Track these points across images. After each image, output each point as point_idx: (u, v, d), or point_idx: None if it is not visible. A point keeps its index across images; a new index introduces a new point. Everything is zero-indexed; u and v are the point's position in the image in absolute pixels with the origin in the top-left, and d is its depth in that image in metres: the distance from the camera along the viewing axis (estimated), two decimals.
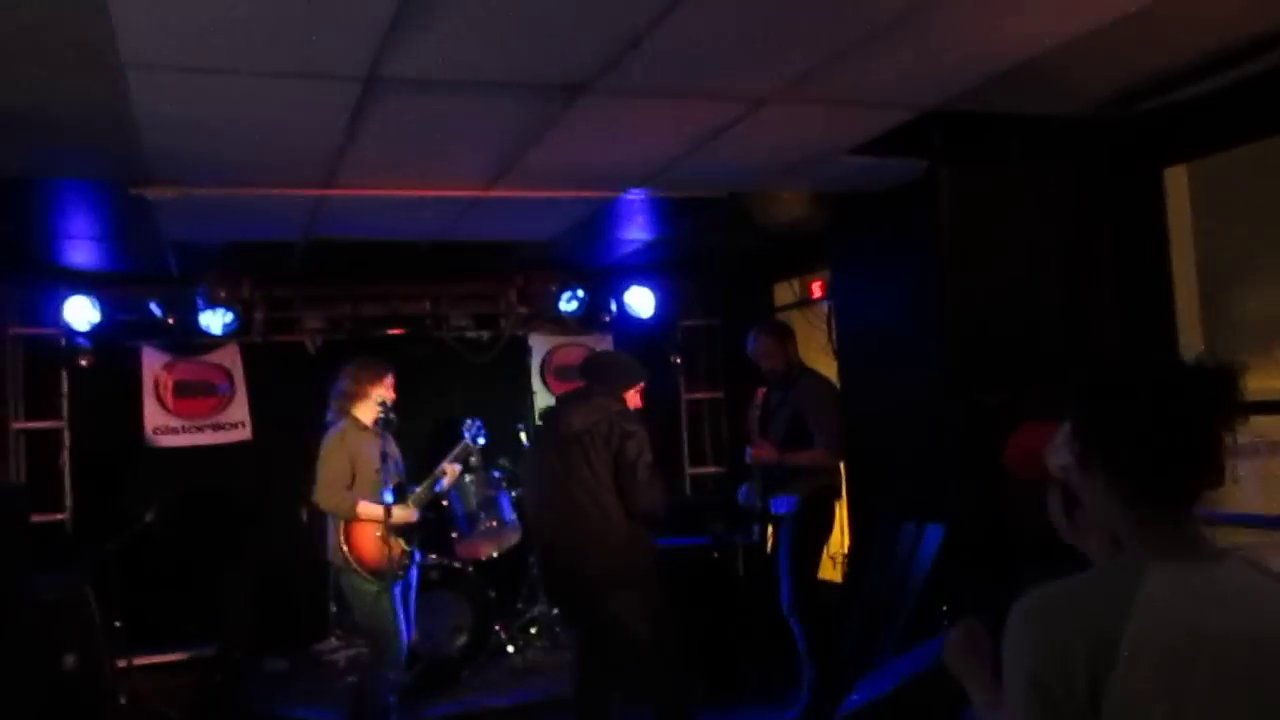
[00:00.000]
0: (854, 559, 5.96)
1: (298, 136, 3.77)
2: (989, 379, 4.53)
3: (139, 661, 5.87)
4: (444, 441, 5.89)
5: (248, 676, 6.48)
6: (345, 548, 4.91)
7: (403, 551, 4.97)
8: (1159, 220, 4.46)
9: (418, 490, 5.15)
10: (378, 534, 4.86)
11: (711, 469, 8.12)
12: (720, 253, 7.38)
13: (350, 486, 4.94)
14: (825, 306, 6.72)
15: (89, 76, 3.09)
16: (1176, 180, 4.50)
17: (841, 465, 5.61)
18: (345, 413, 5.03)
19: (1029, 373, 4.37)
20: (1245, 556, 1.58)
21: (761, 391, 5.42)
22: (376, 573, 4.85)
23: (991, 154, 4.49)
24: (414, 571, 5.16)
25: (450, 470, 5.35)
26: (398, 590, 4.91)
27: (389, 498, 4.72)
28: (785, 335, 5.57)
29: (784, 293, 7.78)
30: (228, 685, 6.02)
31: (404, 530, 4.99)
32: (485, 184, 4.66)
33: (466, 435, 5.51)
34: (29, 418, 6.56)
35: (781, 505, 5.35)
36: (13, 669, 4.28)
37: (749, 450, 5.43)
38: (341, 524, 4.94)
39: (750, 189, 5.20)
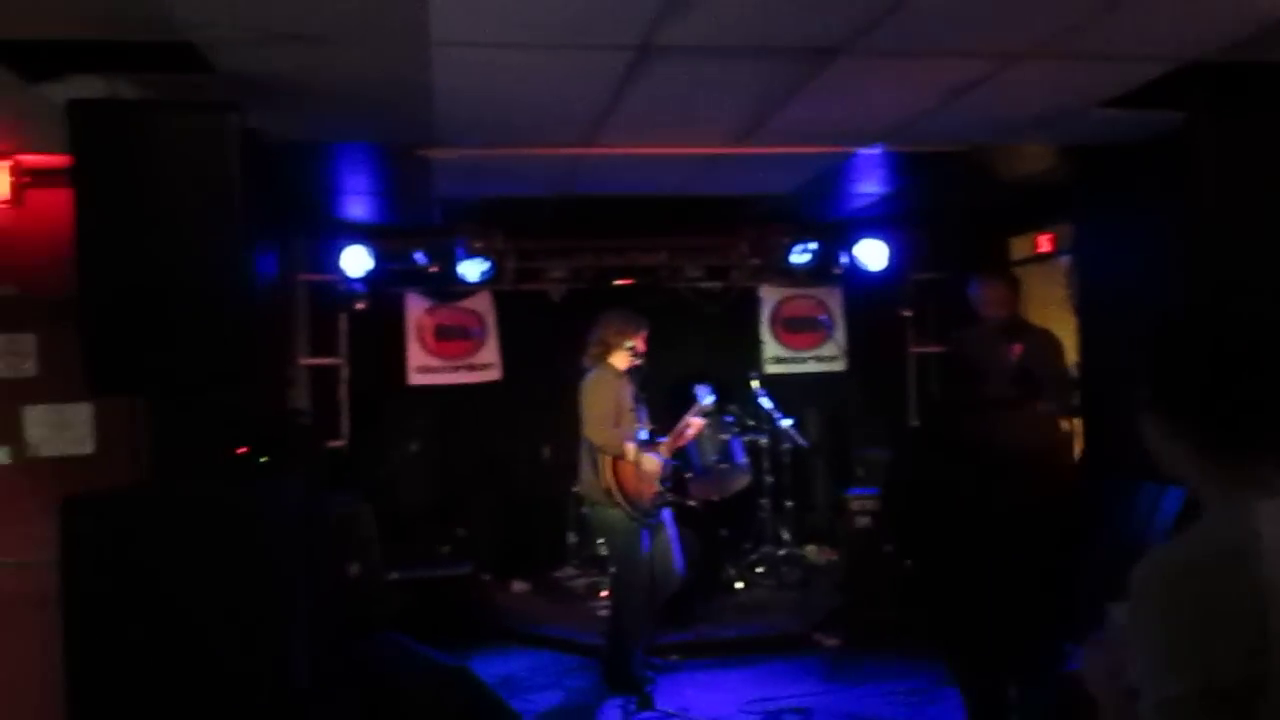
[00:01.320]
0: (1088, 518, 5.88)
1: (570, 102, 4.09)
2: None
3: (402, 576, 6.54)
4: (680, 390, 6.19)
5: (496, 597, 7.10)
6: (612, 483, 5.21)
7: (657, 492, 5.27)
8: None
9: (667, 440, 5.43)
10: (637, 471, 5.24)
11: None
12: (955, 206, 7.32)
13: (616, 425, 5.30)
14: (1064, 262, 6.57)
15: (399, 55, 3.50)
16: None
17: (1070, 422, 5.51)
18: (602, 359, 5.38)
19: None
20: None
21: (1019, 347, 5.23)
22: (636, 508, 5.21)
23: (1256, 106, 4.31)
24: (666, 511, 5.44)
25: (696, 423, 5.56)
26: (652, 531, 5.23)
27: (644, 436, 5.05)
28: (1013, 285, 5.49)
29: (1019, 247, 7.65)
30: (481, 602, 6.61)
31: (660, 474, 5.31)
32: (734, 141, 4.87)
33: (700, 398, 5.65)
34: (313, 355, 7.34)
35: None
36: (314, 571, 4.91)
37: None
38: (608, 460, 5.23)
39: (992, 143, 5.18)
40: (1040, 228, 7.24)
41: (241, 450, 4.63)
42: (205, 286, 3.59)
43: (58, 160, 4.43)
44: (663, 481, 5.32)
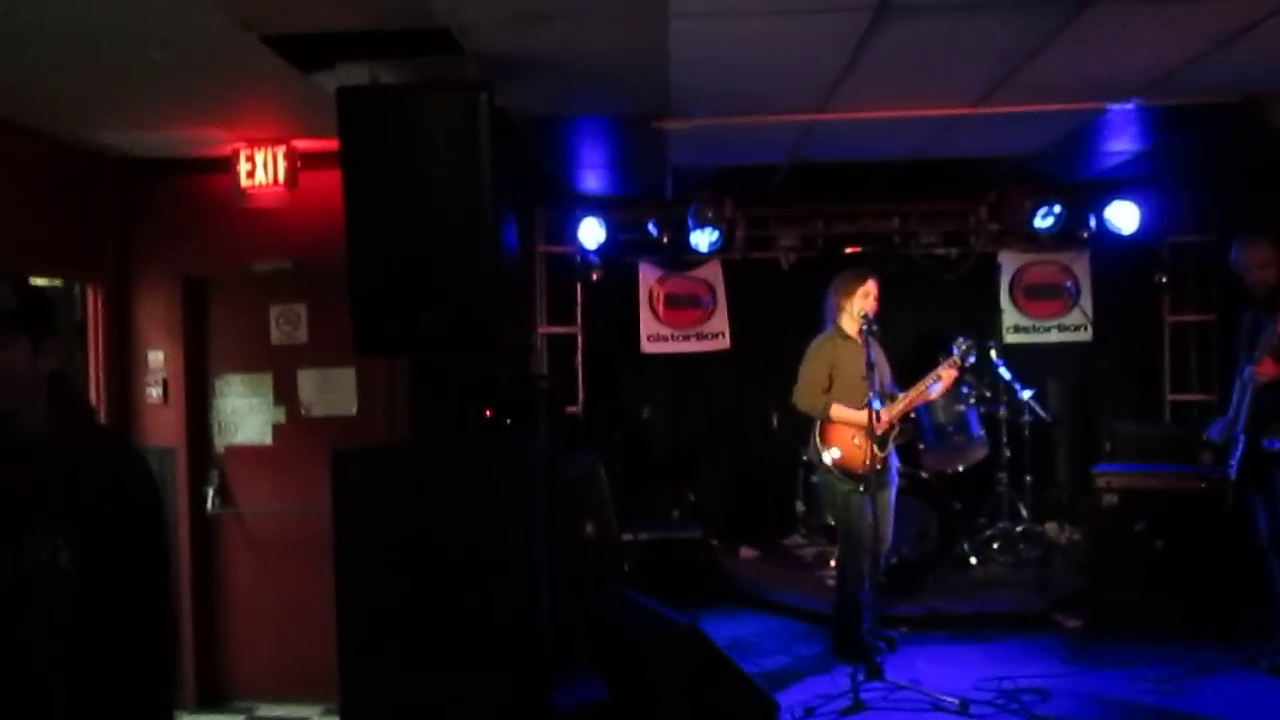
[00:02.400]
0: None
1: (805, 67, 4.07)
2: None
3: (634, 537, 6.75)
4: (921, 357, 6.05)
5: (725, 560, 7.21)
6: (820, 447, 5.28)
7: (876, 456, 5.17)
8: None
9: (902, 396, 5.28)
10: (853, 438, 5.18)
11: (1198, 396, 7.55)
12: (1221, 164, 6.77)
13: (827, 390, 5.27)
14: None
15: (637, 29, 3.59)
16: None
17: None
18: (834, 322, 5.36)
19: None
20: None
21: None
22: (849, 473, 5.17)
23: None
24: (894, 478, 5.35)
25: (946, 375, 5.30)
26: (874, 498, 5.12)
27: (877, 404, 4.98)
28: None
29: None
30: (710, 565, 6.74)
31: (881, 437, 5.16)
32: (976, 100, 4.70)
33: (955, 352, 5.39)
34: (550, 323, 7.65)
35: (1276, 444, 4.86)
36: (555, 527, 5.16)
37: (1247, 368, 4.92)
38: (819, 424, 5.30)
39: (1269, 92, 4.75)
40: None
41: (489, 412, 4.90)
42: (459, 257, 3.82)
43: (325, 144, 4.82)
44: (881, 446, 5.12)
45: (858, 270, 5.41)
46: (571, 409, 7.46)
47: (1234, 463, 5.01)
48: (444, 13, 3.40)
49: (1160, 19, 3.68)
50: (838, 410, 5.22)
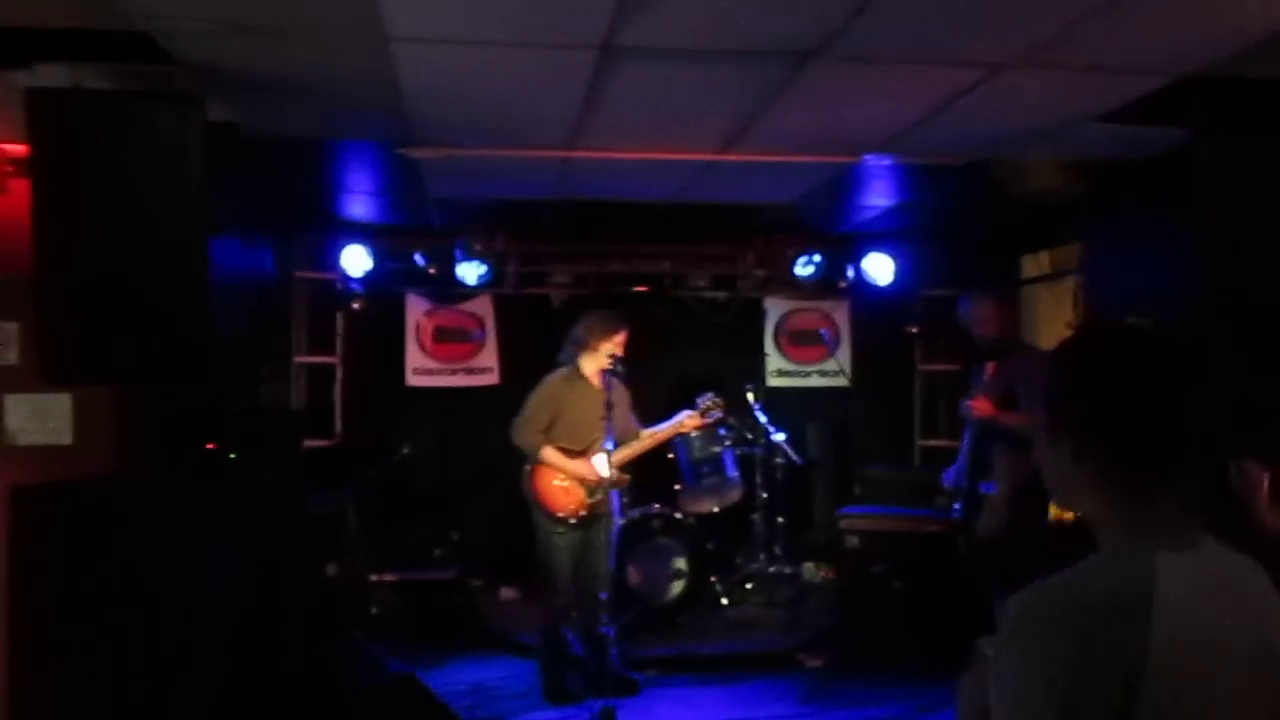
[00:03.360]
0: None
1: (542, 102, 4.01)
2: (1251, 365, 4.21)
3: (388, 578, 6.49)
4: (686, 398, 6.07)
5: (484, 602, 7.03)
6: (528, 488, 5.25)
7: (583, 503, 5.15)
8: None
9: (619, 449, 5.15)
10: (560, 480, 5.17)
11: (946, 442, 7.92)
12: (966, 222, 7.17)
13: (546, 430, 5.20)
14: (1074, 282, 6.41)
15: (357, 49, 3.44)
16: None
17: None
18: (572, 359, 5.30)
19: None
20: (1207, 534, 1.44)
21: (992, 366, 5.16)
22: (551, 515, 5.13)
23: (1258, 123, 4.16)
24: (615, 514, 5.31)
25: (682, 427, 5.48)
26: (583, 538, 5.16)
27: (610, 445, 4.95)
28: (1003, 303, 5.32)
29: (1031, 266, 7.48)
30: (465, 608, 6.54)
31: (592, 486, 5.17)
32: (720, 148, 4.77)
33: (698, 405, 5.58)
34: (309, 353, 7.31)
35: (990, 487, 5.16)
36: (288, 570, 4.86)
37: (964, 403, 5.18)
38: (529, 461, 5.27)
39: (992, 157, 5.05)
40: (1052, 245, 7.08)
41: (211, 445, 4.58)
42: (163, 280, 3.55)
43: None
44: (590, 493, 5.17)
45: (614, 316, 5.36)
46: (325, 443, 7.14)
47: (958, 506, 5.25)
48: (140, 17, 3.16)
49: (878, 81, 3.83)
50: (550, 454, 5.18)
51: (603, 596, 5.09)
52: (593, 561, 5.21)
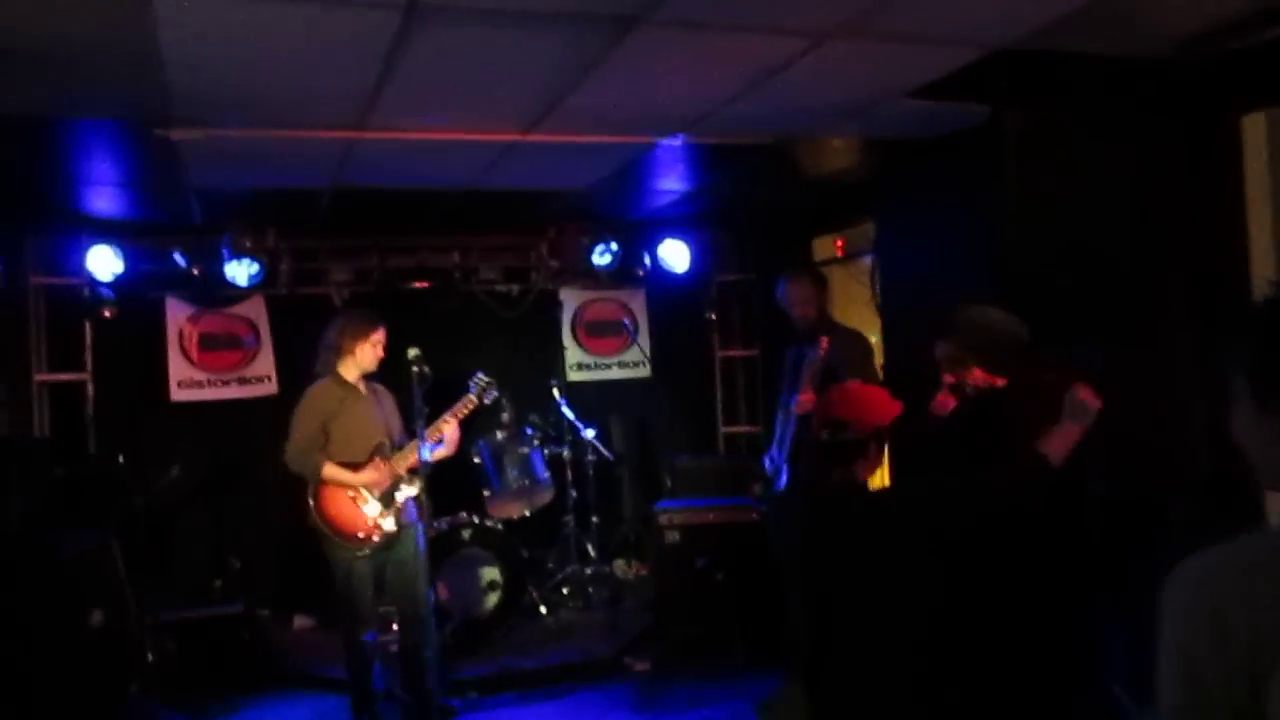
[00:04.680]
0: None
1: (332, 73, 3.55)
2: (1048, 336, 4.30)
3: (165, 619, 5.76)
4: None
5: (276, 635, 6.39)
6: (316, 512, 4.73)
7: (380, 514, 4.73)
8: (1235, 170, 4.20)
9: (401, 451, 4.82)
10: (353, 498, 4.72)
11: (745, 428, 7.93)
12: (758, 206, 7.15)
13: (324, 448, 4.74)
14: (868, 262, 6.48)
15: (106, 5, 2.89)
16: (1254, 128, 4.24)
17: None
18: (330, 368, 4.82)
19: (1092, 328, 4.17)
20: None
21: (825, 343, 4.99)
22: (349, 537, 4.68)
23: (1059, 98, 4.25)
24: (417, 527, 4.87)
25: (448, 431, 4.93)
26: (388, 561, 4.74)
27: (427, 455, 4.53)
28: (820, 283, 5.29)
29: (822, 248, 7.56)
30: (255, 643, 5.90)
31: (386, 495, 4.76)
32: (525, 128, 4.44)
33: (471, 389, 5.14)
34: (52, 370, 6.42)
35: None
36: (36, 625, 4.16)
37: (792, 399, 5.00)
38: (312, 487, 4.74)
39: (799, 135, 4.97)
40: (843, 227, 7.16)
41: None
42: None
43: None
44: (386, 505, 4.76)
45: (368, 314, 4.94)
46: (76, 471, 6.27)
47: (782, 482, 5.16)
48: None
49: (700, 51, 3.61)
50: (331, 471, 4.70)
51: (425, 614, 4.66)
52: (404, 579, 4.75)
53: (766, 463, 5.43)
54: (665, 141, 4.91)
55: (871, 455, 2.91)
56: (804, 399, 4.82)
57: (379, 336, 4.80)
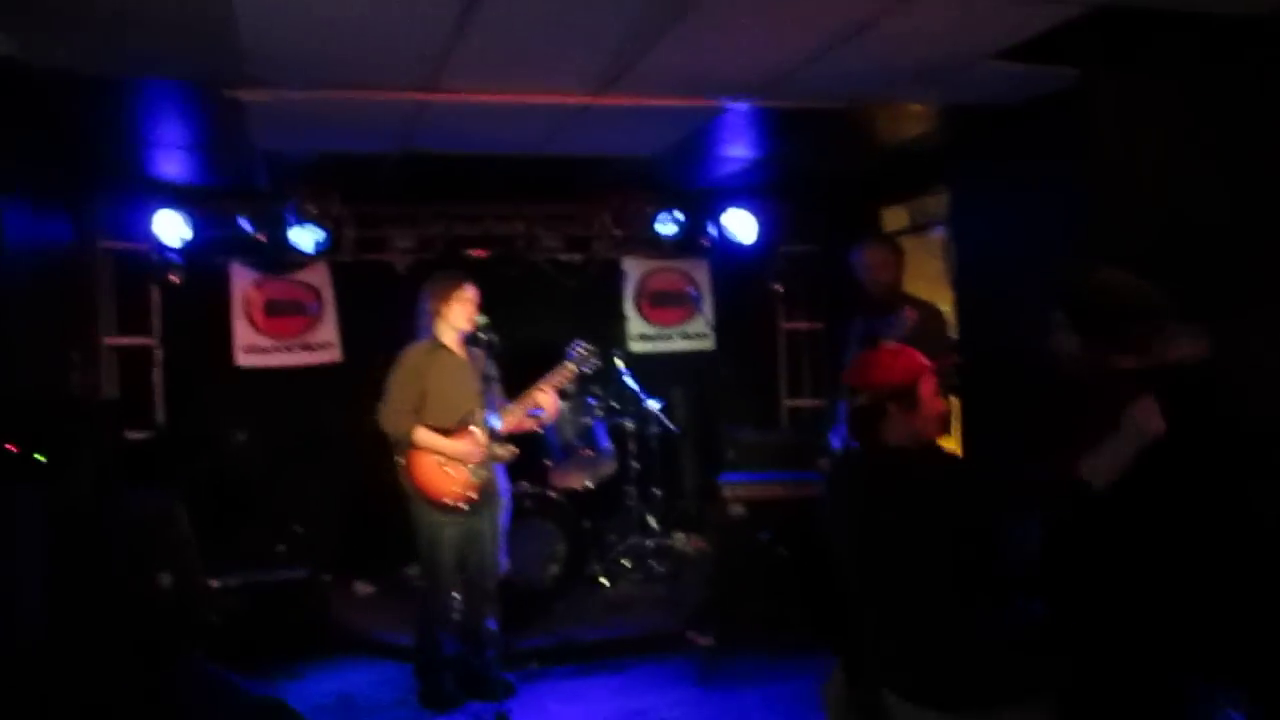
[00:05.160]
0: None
1: (404, 29, 3.47)
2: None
3: (229, 583, 5.79)
4: (540, 366, 5.62)
5: (337, 600, 6.41)
6: (406, 476, 4.67)
7: (469, 484, 4.66)
8: None
9: (499, 418, 4.72)
10: (443, 465, 4.65)
11: (809, 402, 7.78)
12: (825, 175, 6.98)
13: (418, 410, 4.68)
14: (936, 234, 6.28)
15: None
16: None
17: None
18: (429, 331, 4.77)
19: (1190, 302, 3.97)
20: None
21: (912, 315, 4.75)
22: (438, 504, 4.63)
23: (1157, 59, 4.04)
24: (505, 499, 4.82)
25: (546, 400, 4.87)
26: (472, 528, 4.67)
27: (496, 422, 4.47)
28: (899, 252, 5.08)
29: (893, 219, 7.37)
30: (318, 609, 5.91)
31: (476, 464, 4.68)
32: (596, 90, 4.33)
33: (571, 356, 5.04)
34: (120, 333, 6.46)
35: None
36: (110, 585, 4.18)
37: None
38: (401, 447, 4.69)
39: (874, 99, 4.80)
40: (911, 197, 6.97)
41: (11, 447, 3.84)
42: None
43: None
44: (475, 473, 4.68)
45: (453, 274, 4.86)
46: (144, 435, 6.33)
47: None
48: None
49: (781, 6, 3.47)
50: (424, 436, 4.62)
51: (493, 587, 4.62)
52: (481, 552, 4.70)
53: (833, 439, 5.29)
54: (735, 106, 4.78)
55: (894, 416, 2.77)
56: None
57: (467, 294, 4.72)
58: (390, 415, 4.63)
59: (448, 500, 4.58)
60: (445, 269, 5.02)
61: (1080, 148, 4.42)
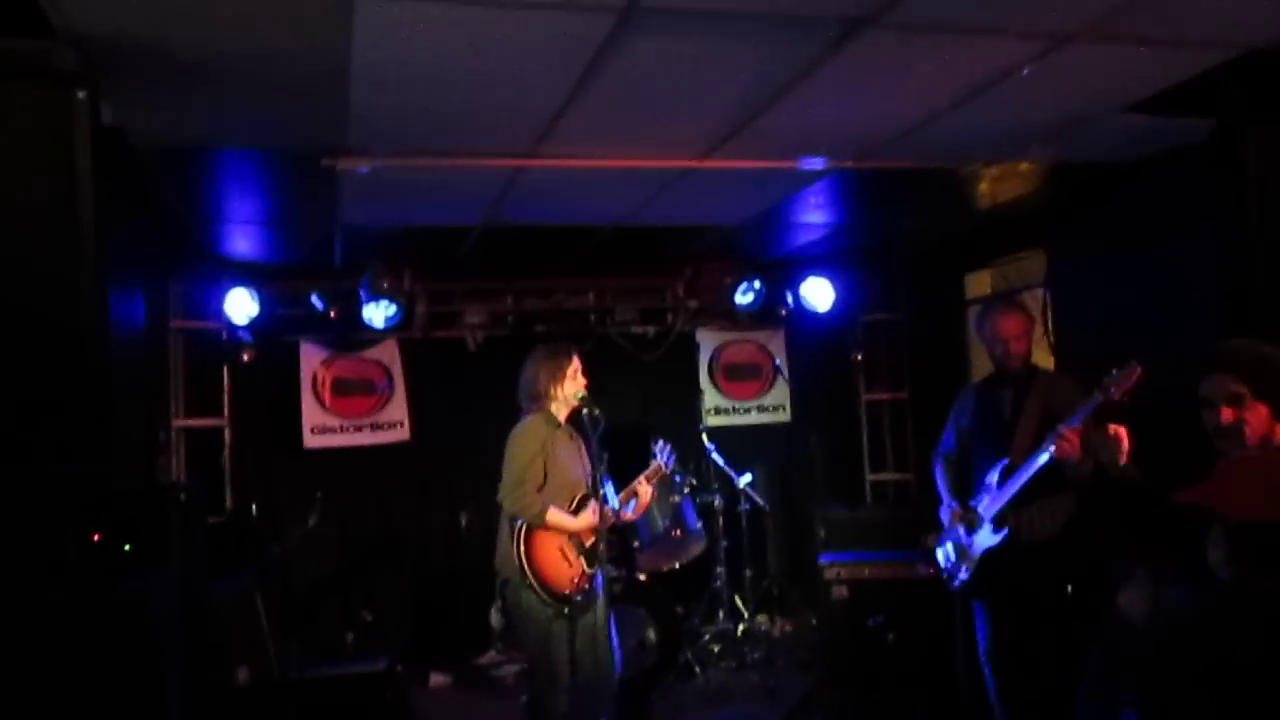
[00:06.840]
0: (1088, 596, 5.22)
1: (521, 88, 3.29)
2: None
3: (305, 675, 5.50)
4: (619, 445, 5.34)
5: (412, 692, 6.10)
6: (523, 559, 4.26)
7: (584, 574, 4.34)
8: None
9: (606, 509, 4.41)
10: (561, 550, 4.34)
11: (894, 475, 7.47)
12: (906, 240, 6.76)
13: (541, 489, 4.41)
14: (1041, 295, 6.00)
15: (310, 18, 2.67)
16: None
17: None
18: (539, 407, 4.49)
19: None
20: None
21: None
22: (555, 593, 4.29)
23: None
24: (600, 596, 4.51)
25: (644, 491, 4.64)
26: (583, 624, 4.32)
27: (614, 501, 4.19)
28: (1030, 317, 4.68)
29: (974, 284, 7.13)
30: (398, 704, 5.59)
31: (590, 549, 4.36)
32: (704, 152, 4.14)
33: (660, 456, 4.80)
34: (189, 415, 6.29)
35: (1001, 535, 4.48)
36: (197, 680, 3.93)
37: (1050, 440, 3.93)
38: (521, 530, 4.29)
39: (988, 157, 4.59)
40: (998, 260, 6.74)
41: (98, 536, 3.62)
42: (46, 328, 2.70)
43: None
44: (589, 563, 4.37)
45: (560, 346, 4.60)
46: (215, 519, 6.10)
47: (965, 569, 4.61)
48: None
49: (914, 62, 3.28)
50: (555, 515, 4.29)
51: (612, 690, 4.29)
52: (596, 648, 4.34)
53: (944, 514, 4.94)
54: (840, 168, 4.58)
55: None
56: (1073, 437, 4.05)
57: (575, 366, 4.48)
58: (521, 495, 4.27)
59: (568, 590, 4.25)
60: (526, 347, 4.76)
61: (1211, 205, 4.18)
